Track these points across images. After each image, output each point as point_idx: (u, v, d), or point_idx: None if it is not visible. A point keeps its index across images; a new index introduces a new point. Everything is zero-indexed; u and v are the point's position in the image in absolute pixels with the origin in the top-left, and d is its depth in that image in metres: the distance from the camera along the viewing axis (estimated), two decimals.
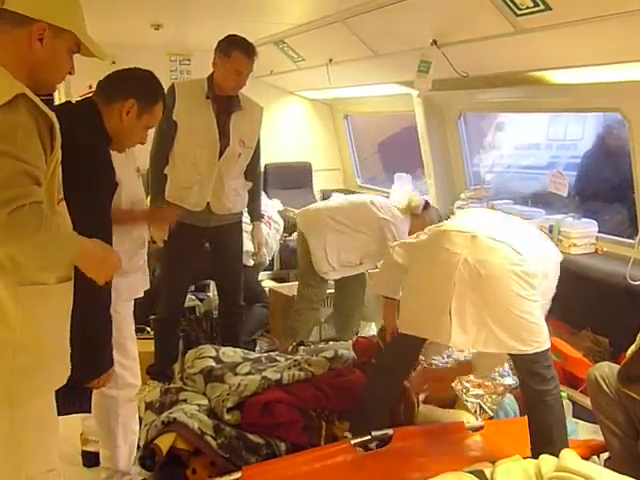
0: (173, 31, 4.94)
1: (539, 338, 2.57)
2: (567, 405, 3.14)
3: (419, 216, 4.08)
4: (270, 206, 5.21)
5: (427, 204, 4.20)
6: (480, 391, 3.27)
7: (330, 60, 4.72)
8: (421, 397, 3.25)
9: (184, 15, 4.48)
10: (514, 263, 2.53)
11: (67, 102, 2.44)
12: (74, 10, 1.73)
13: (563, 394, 3.13)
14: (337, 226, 4.07)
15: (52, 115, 1.59)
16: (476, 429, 2.95)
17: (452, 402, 3.28)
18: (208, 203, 3.62)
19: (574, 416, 3.14)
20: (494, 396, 3.26)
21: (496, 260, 2.54)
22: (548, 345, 2.62)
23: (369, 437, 2.76)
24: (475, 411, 3.20)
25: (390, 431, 2.80)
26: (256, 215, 4.01)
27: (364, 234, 4.06)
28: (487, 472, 2.35)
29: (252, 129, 3.74)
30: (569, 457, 2.16)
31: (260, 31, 4.84)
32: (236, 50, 3.44)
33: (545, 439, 2.57)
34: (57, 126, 1.60)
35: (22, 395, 1.65)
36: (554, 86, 3.51)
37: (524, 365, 2.67)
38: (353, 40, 4.12)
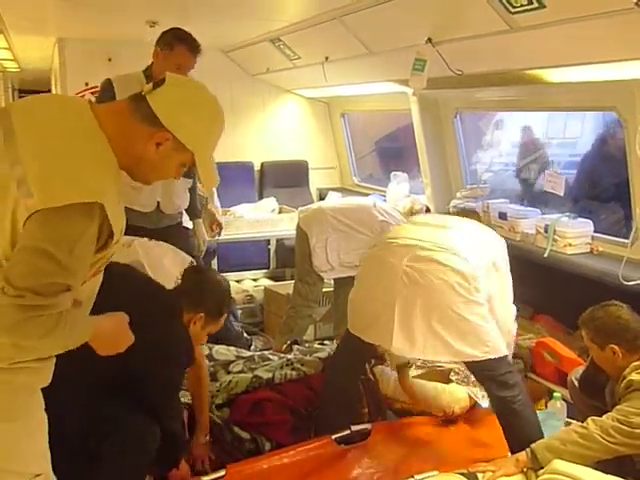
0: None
1: (489, 342, 2.59)
2: (562, 405, 3.13)
3: None
4: None
5: (428, 210, 4.33)
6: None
7: (326, 58, 4.70)
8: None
9: (180, 12, 4.45)
10: (454, 269, 2.58)
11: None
12: (209, 138, 1.71)
13: (557, 395, 3.14)
14: (339, 226, 4.11)
15: (116, 220, 1.54)
16: (450, 421, 3.07)
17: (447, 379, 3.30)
18: (158, 203, 3.53)
19: (569, 416, 3.13)
20: None
21: (435, 267, 2.60)
22: (502, 353, 2.64)
23: (349, 432, 2.84)
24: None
25: (369, 426, 2.92)
26: (196, 213, 3.93)
27: (365, 235, 4.10)
28: (480, 476, 2.41)
29: None
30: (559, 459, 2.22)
31: (256, 29, 4.83)
32: (180, 44, 3.32)
33: (519, 444, 2.56)
34: (120, 228, 1.58)
35: (21, 411, 1.62)
36: (550, 84, 3.50)
37: (481, 374, 2.72)
38: (349, 38, 4.11)
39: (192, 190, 3.79)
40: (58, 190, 1.45)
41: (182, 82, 1.71)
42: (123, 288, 2.25)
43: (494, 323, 2.65)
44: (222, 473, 2.58)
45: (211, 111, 1.71)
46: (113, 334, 1.72)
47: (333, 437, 2.82)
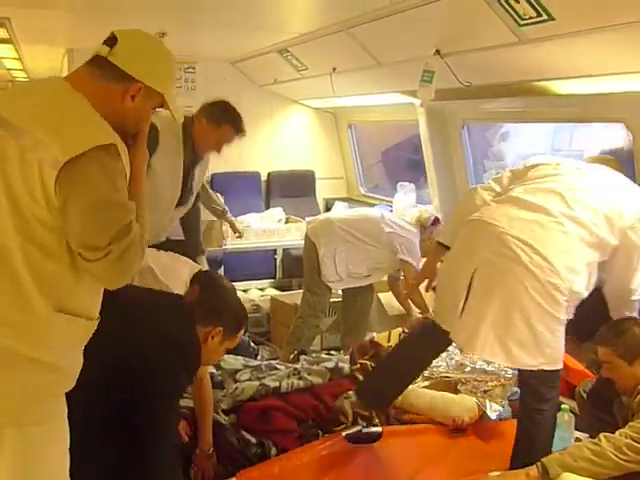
0: (178, 39, 4.93)
1: (548, 352, 2.50)
2: (569, 417, 3.11)
3: (427, 229, 4.15)
4: None
5: (437, 220, 4.28)
6: (485, 386, 3.25)
7: (334, 69, 4.72)
8: None
9: (189, 24, 4.49)
10: (538, 275, 2.42)
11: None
12: (171, 76, 1.84)
13: (565, 407, 3.12)
14: (347, 237, 4.14)
15: (127, 162, 1.66)
16: (459, 431, 3.02)
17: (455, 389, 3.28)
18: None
19: (577, 428, 3.11)
20: (498, 389, 3.23)
21: (518, 267, 2.44)
22: (557, 366, 2.54)
23: (360, 429, 2.88)
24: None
25: (379, 429, 2.92)
26: (200, 249, 3.98)
27: (373, 247, 4.13)
28: None
29: (202, 176, 3.74)
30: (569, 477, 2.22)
31: (264, 40, 4.86)
32: (228, 124, 3.39)
33: (527, 453, 2.55)
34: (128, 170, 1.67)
35: (34, 417, 1.62)
36: (558, 96, 3.51)
37: (528, 382, 2.63)
38: (357, 49, 4.13)
39: (194, 223, 3.82)
40: (74, 140, 1.52)
41: (132, 34, 1.80)
42: (134, 299, 2.28)
43: (563, 335, 2.53)
44: None
45: (164, 51, 1.83)
46: None
47: (344, 434, 2.85)
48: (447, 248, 2.86)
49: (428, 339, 2.86)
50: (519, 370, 2.72)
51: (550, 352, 2.51)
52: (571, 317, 2.53)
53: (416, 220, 4.28)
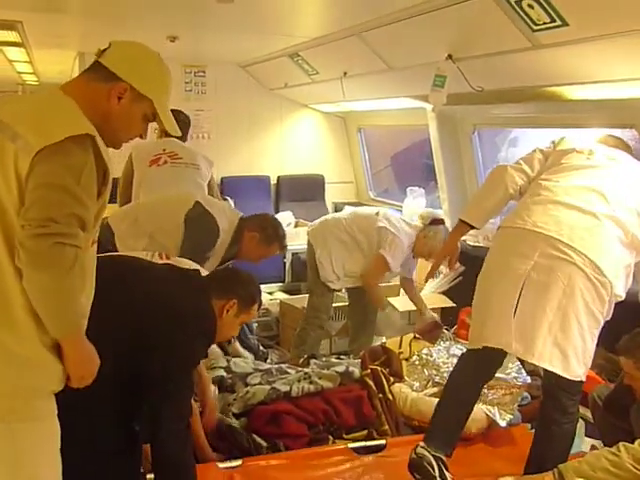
0: (189, 43, 4.97)
1: (587, 363, 2.44)
2: (580, 425, 3.10)
3: (425, 229, 4.10)
4: None
5: (437, 220, 4.18)
6: (494, 395, 3.22)
7: (345, 73, 4.72)
8: None
9: (200, 27, 4.50)
10: (590, 274, 2.37)
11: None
12: (161, 83, 1.84)
13: None
14: (342, 235, 4.15)
15: (108, 160, 1.67)
16: (467, 440, 2.98)
17: None
18: None
19: (587, 435, 3.10)
20: (507, 397, 3.20)
21: (571, 266, 2.38)
22: (581, 377, 2.47)
23: (364, 443, 2.93)
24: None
25: (383, 441, 2.95)
26: None
27: (364, 244, 4.11)
28: None
29: None
30: None
31: (275, 44, 4.87)
32: (277, 243, 3.57)
33: (541, 460, 2.52)
34: (110, 171, 1.68)
35: (23, 413, 1.63)
36: (569, 101, 3.50)
37: (553, 392, 2.55)
38: (368, 53, 4.13)
39: None
40: (51, 130, 1.57)
41: (127, 42, 1.84)
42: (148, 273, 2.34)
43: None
44: (238, 462, 2.67)
45: (157, 60, 1.85)
46: (90, 353, 1.72)
47: (350, 446, 2.89)
48: (470, 227, 2.78)
49: (479, 368, 2.70)
50: (545, 378, 2.65)
51: (589, 361, 2.46)
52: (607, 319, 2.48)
53: (419, 217, 4.24)
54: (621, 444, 2.29)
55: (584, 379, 2.48)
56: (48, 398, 1.69)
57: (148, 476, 2.44)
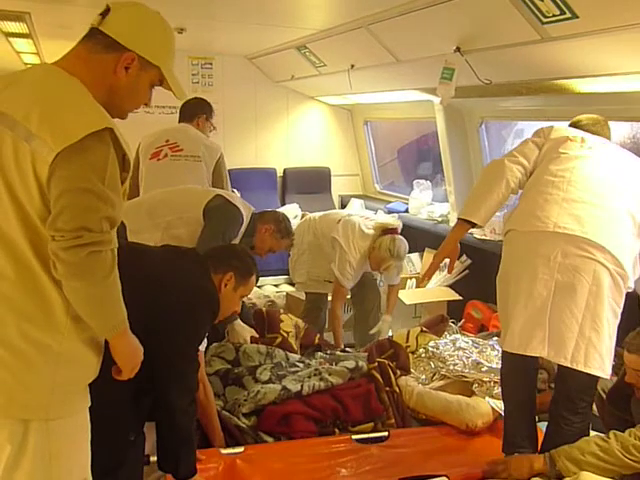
0: (196, 35, 4.96)
1: (610, 359, 2.42)
2: None
3: (376, 240, 4.05)
4: None
5: (388, 230, 4.07)
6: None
7: (352, 66, 4.71)
8: None
9: (207, 19, 4.50)
10: (612, 270, 2.36)
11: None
12: (167, 48, 1.77)
13: None
14: (311, 237, 4.26)
15: (126, 147, 1.61)
16: (470, 433, 3.03)
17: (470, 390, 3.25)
18: None
19: (594, 429, 3.10)
20: None
21: (593, 267, 2.35)
22: (604, 374, 2.43)
23: (367, 436, 2.96)
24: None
25: (386, 433, 2.99)
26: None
27: (327, 248, 4.18)
28: None
29: None
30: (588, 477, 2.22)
31: (282, 36, 4.85)
32: (288, 239, 3.70)
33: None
34: (129, 155, 1.63)
35: (60, 409, 1.63)
36: (578, 94, 3.48)
37: (566, 389, 2.54)
38: (375, 46, 4.11)
39: None
40: (66, 129, 1.50)
41: (125, 4, 1.75)
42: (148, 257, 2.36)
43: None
44: (241, 449, 2.72)
45: (160, 22, 1.77)
46: (136, 346, 1.75)
47: (353, 438, 2.93)
48: (471, 226, 2.73)
49: (520, 378, 2.70)
50: (560, 379, 2.61)
51: (610, 359, 2.43)
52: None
53: (373, 227, 4.13)
54: (611, 432, 2.32)
55: (605, 375, 2.45)
56: (83, 392, 1.71)
57: (152, 458, 2.47)
